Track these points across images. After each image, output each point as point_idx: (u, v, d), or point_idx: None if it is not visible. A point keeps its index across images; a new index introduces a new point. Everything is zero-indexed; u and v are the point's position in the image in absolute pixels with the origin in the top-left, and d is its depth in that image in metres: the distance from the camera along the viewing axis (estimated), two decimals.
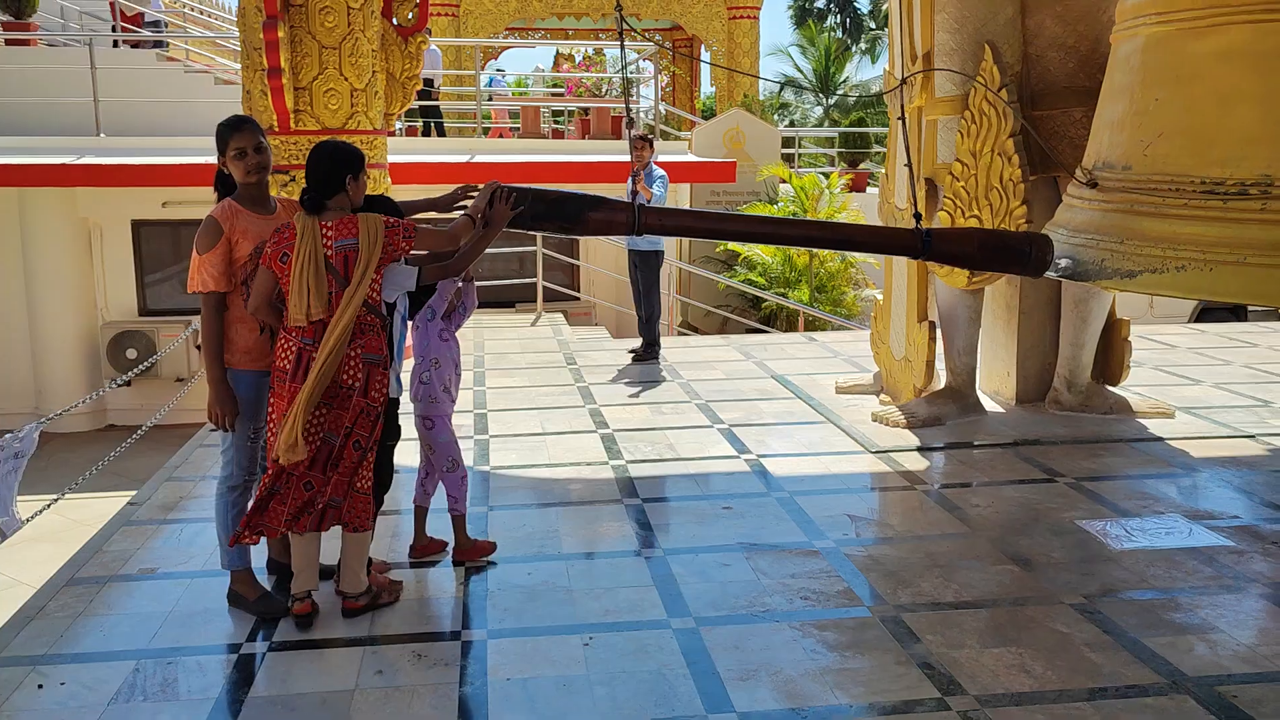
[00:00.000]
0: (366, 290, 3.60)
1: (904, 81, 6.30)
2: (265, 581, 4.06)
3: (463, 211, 4.00)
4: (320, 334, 3.60)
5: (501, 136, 17.18)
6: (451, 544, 4.42)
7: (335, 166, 3.66)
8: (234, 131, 3.75)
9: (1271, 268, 3.55)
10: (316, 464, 3.64)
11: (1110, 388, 6.58)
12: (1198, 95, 3.89)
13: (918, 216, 4.62)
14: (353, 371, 3.63)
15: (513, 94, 26.94)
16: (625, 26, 4.72)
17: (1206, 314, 12.21)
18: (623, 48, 4.83)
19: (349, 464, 3.68)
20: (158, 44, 15.19)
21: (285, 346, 3.64)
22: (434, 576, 4.27)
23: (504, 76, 20.88)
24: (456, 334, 4.38)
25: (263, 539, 3.82)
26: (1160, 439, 6.04)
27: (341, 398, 3.63)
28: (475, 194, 4.09)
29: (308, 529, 3.71)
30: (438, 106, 16.19)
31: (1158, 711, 3.18)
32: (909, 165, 5.09)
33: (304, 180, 3.71)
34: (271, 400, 3.70)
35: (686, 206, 14.19)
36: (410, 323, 4.26)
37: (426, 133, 15.51)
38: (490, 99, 18.53)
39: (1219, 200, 3.68)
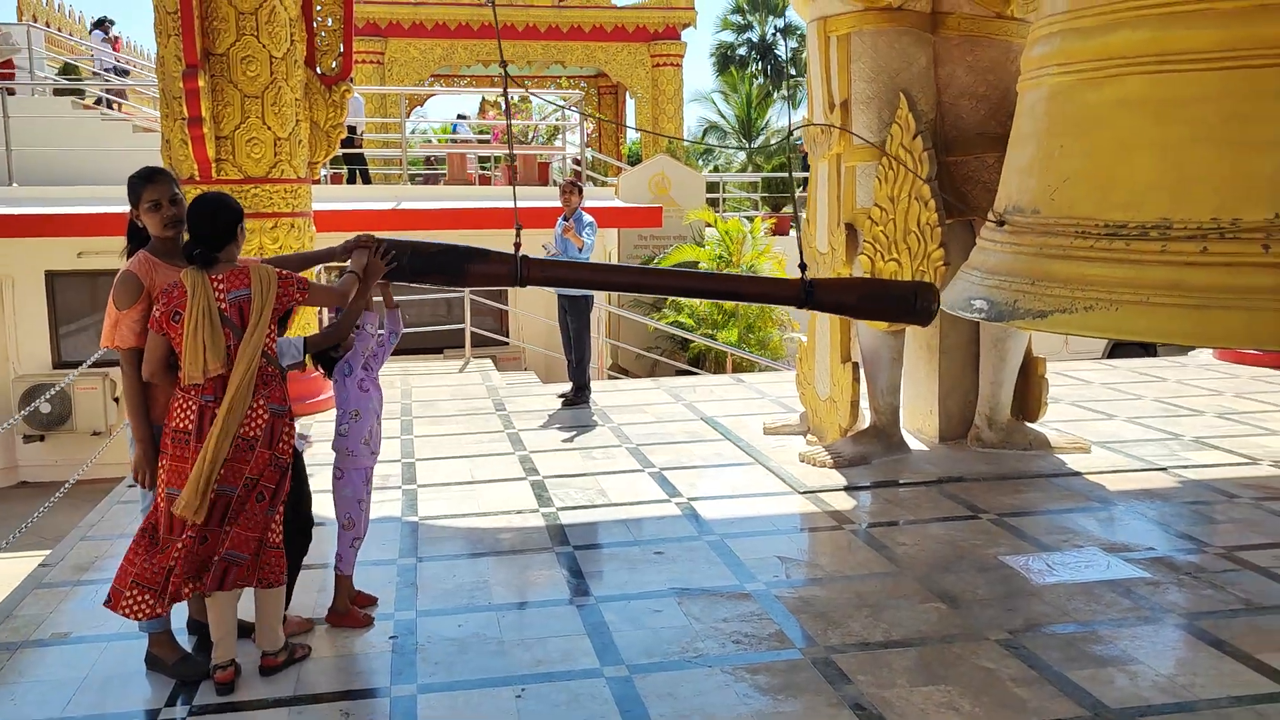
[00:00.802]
0: (263, 338, 3.57)
1: (841, 128, 6.45)
2: (185, 642, 3.95)
3: (348, 268, 3.99)
4: (220, 389, 3.54)
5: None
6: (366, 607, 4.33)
7: (226, 216, 3.63)
8: (147, 184, 3.70)
9: (1173, 306, 3.68)
10: (212, 518, 3.55)
11: (1029, 424, 6.74)
12: (1099, 142, 4.05)
13: (803, 267, 4.70)
14: (256, 423, 3.58)
15: (439, 141, 26.96)
16: (510, 80, 4.83)
17: (1118, 350, 12.58)
18: (506, 101, 4.88)
19: (255, 518, 3.60)
20: (75, 92, 14.95)
21: (184, 406, 3.56)
22: (359, 631, 4.19)
23: (465, 122, 20.86)
24: (379, 383, 4.34)
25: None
26: (1078, 473, 6.19)
27: (243, 450, 3.57)
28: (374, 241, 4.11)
29: (211, 589, 3.60)
30: (361, 154, 16.14)
31: None
32: (795, 213, 5.20)
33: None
34: (163, 461, 3.60)
35: (613, 252, 14.29)
36: (330, 378, 4.24)
37: (351, 180, 15.44)
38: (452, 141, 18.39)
39: (1122, 242, 3.82)
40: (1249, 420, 7.52)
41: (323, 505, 4.42)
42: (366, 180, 15.81)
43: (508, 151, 15.42)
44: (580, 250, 8.26)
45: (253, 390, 3.57)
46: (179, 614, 3.96)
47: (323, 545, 4.89)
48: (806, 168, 6.41)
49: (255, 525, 3.60)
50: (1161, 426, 7.37)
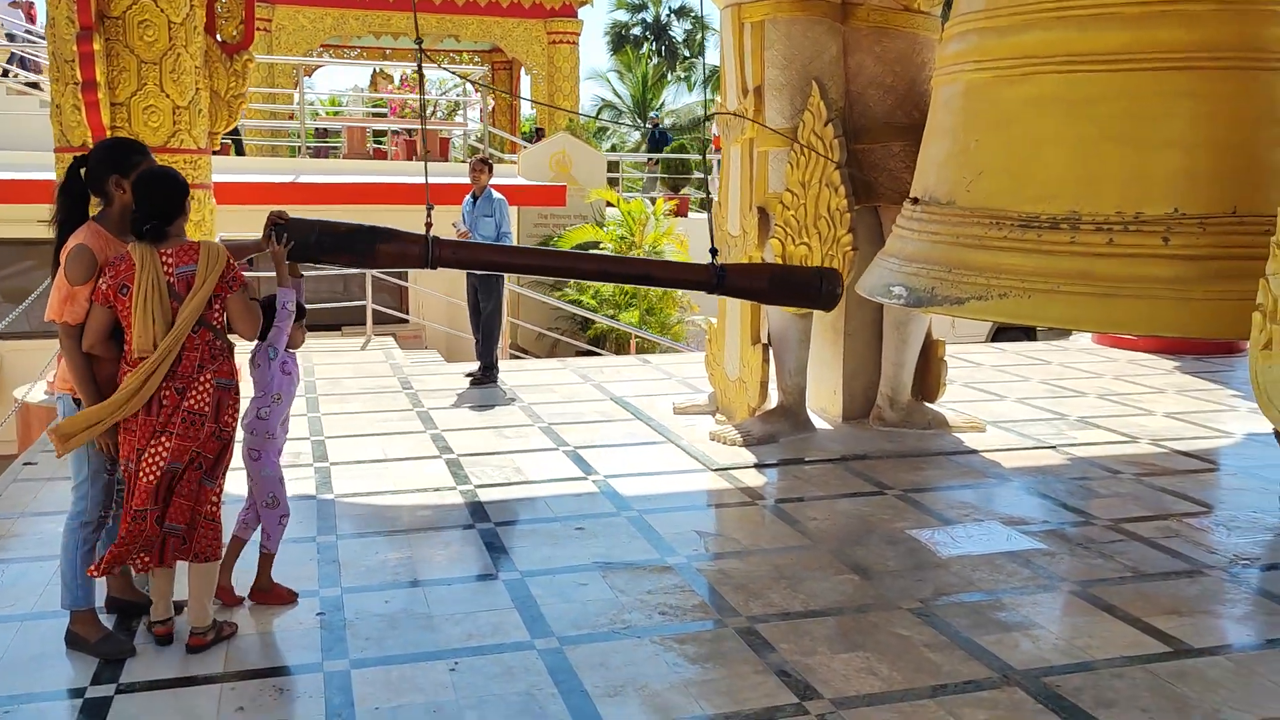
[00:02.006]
0: (199, 309, 3.54)
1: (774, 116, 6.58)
2: (105, 621, 3.87)
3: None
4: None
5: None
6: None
7: (175, 191, 3.60)
8: (143, 155, 3.69)
9: (1081, 295, 3.92)
10: (160, 494, 3.55)
11: (929, 404, 7.03)
12: (1013, 137, 4.27)
13: (713, 252, 4.82)
14: (203, 396, 3.57)
15: (328, 114, 26.32)
16: (425, 56, 4.82)
17: (1002, 333, 13.11)
18: (421, 79, 4.86)
19: (190, 488, 3.59)
20: None
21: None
22: (283, 610, 4.15)
23: (361, 94, 20.38)
24: (298, 362, 4.29)
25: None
26: (975, 451, 6.49)
27: (193, 424, 3.55)
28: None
29: (152, 565, 3.59)
30: (236, 126, 15.65)
31: (993, 704, 3.44)
32: (708, 198, 5.33)
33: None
34: (121, 435, 3.56)
35: (513, 230, 14.23)
36: (250, 359, 4.16)
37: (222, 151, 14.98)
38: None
39: (1034, 233, 4.04)
40: (1128, 401, 7.97)
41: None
42: (240, 151, 15.36)
43: (419, 126, 15.21)
44: (499, 232, 8.25)
45: (201, 364, 3.57)
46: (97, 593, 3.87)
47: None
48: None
49: (190, 495, 3.60)
50: (1048, 407, 7.76)
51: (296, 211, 4.29)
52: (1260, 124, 3.86)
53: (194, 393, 3.55)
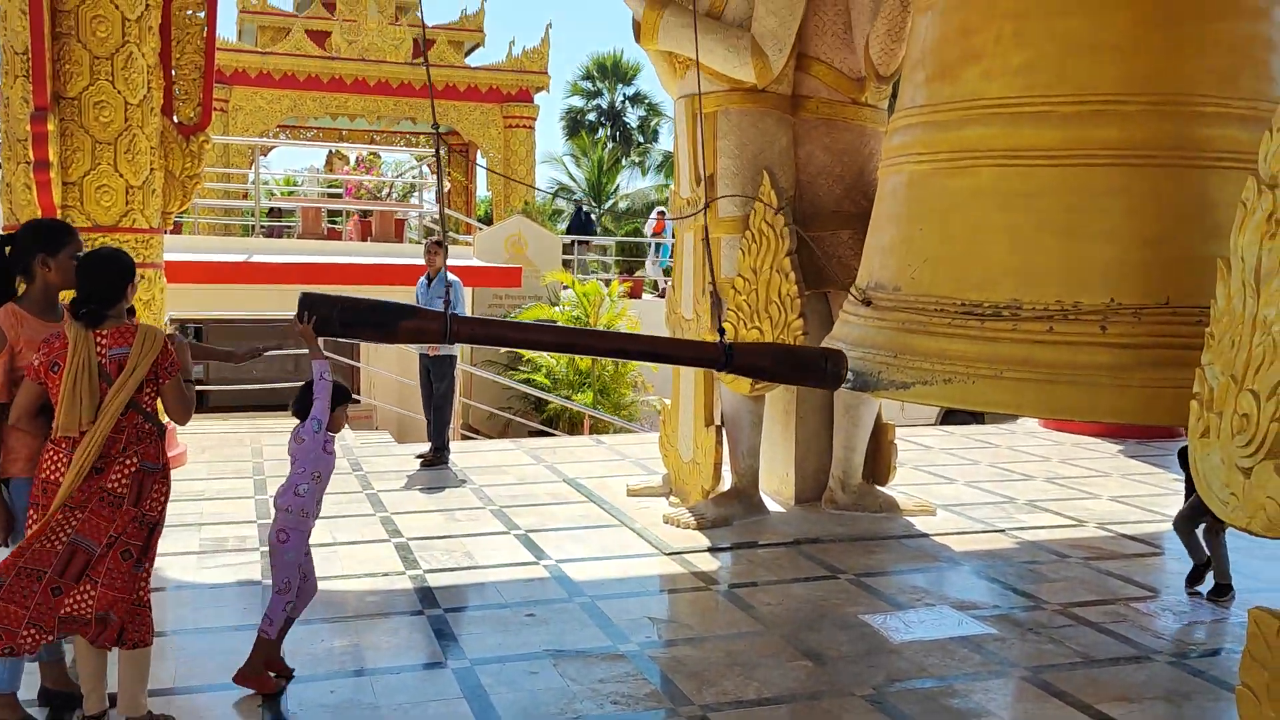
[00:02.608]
0: (130, 392, 3.51)
1: (708, 204, 6.71)
2: (38, 714, 3.74)
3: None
4: None
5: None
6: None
7: (118, 274, 3.60)
8: (71, 235, 3.72)
9: (1023, 381, 4.01)
10: (69, 571, 3.45)
11: (880, 487, 7.08)
12: (955, 227, 4.39)
13: (721, 331, 4.88)
14: (122, 478, 3.52)
15: (282, 194, 26.39)
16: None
17: (950, 416, 13.27)
18: (439, 160, 4.96)
19: (121, 575, 3.52)
20: None
21: (54, 458, 3.49)
22: (223, 699, 4.04)
23: (315, 175, 20.48)
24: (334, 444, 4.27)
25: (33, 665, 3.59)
26: (926, 535, 6.53)
27: (107, 505, 3.49)
28: (271, 353, 4.16)
29: (41, 640, 3.47)
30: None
31: None
32: (713, 283, 5.44)
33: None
34: (32, 514, 3.51)
35: (468, 310, 14.26)
36: (293, 435, 4.16)
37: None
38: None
39: (977, 321, 4.14)
40: (1074, 485, 8.08)
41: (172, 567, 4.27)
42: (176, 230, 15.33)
43: (374, 207, 15.27)
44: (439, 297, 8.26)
45: (126, 446, 3.52)
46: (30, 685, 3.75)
47: (180, 609, 4.75)
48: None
49: (124, 585, 3.52)
50: (997, 490, 7.85)
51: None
52: (1190, 219, 4.02)
53: (114, 473, 3.50)
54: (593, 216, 22.02)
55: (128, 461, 3.52)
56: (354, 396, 12.10)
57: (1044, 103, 4.18)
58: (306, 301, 4.13)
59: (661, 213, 22.43)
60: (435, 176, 17.60)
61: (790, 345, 6.01)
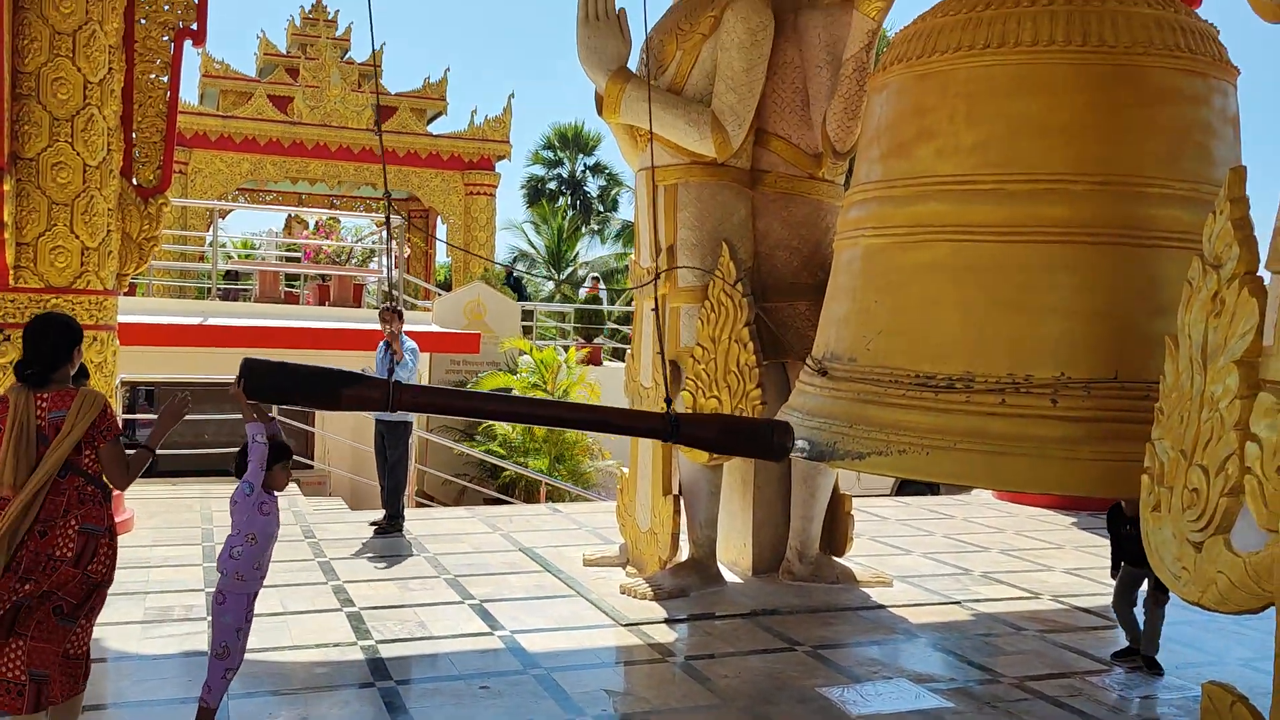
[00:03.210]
0: (65, 454, 3.56)
1: (662, 273, 6.77)
2: None
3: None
4: None
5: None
6: None
7: (60, 340, 3.70)
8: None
9: (976, 452, 4.06)
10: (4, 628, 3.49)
11: (837, 558, 7.08)
12: (909, 300, 4.46)
13: (669, 401, 4.90)
14: (66, 542, 3.55)
15: (240, 256, 26.27)
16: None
17: (906, 487, 13.35)
18: (389, 230, 4.97)
19: (53, 632, 3.54)
20: None
21: None
22: None
23: (274, 239, 20.41)
24: (277, 505, 4.19)
25: None
26: (883, 606, 6.53)
27: (46, 565, 3.52)
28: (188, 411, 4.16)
29: (27, 711, 3.48)
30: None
31: None
32: (662, 353, 5.45)
33: (21, 348, 3.72)
34: None
35: (426, 376, 14.19)
36: (230, 498, 4.08)
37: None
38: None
39: (931, 392, 4.20)
40: (1028, 557, 8.13)
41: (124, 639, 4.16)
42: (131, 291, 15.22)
43: (332, 271, 15.22)
44: (398, 364, 8.21)
45: (68, 508, 3.58)
46: None
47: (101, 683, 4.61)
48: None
49: (55, 639, 3.56)
50: (953, 561, 7.87)
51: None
52: (1137, 296, 4.12)
53: (56, 536, 3.54)
54: (521, 281, 21.97)
55: (70, 524, 3.56)
56: (301, 459, 11.95)
57: (995, 181, 4.29)
58: (247, 367, 4.07)
59: (595, 279, 22.55)
60: (394, 243, 17.63)
61: (737, 416, 6.05)
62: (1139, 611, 5.55)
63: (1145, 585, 5.50)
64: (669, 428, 4.61)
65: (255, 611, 5.97)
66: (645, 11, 5.30)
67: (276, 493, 4.14)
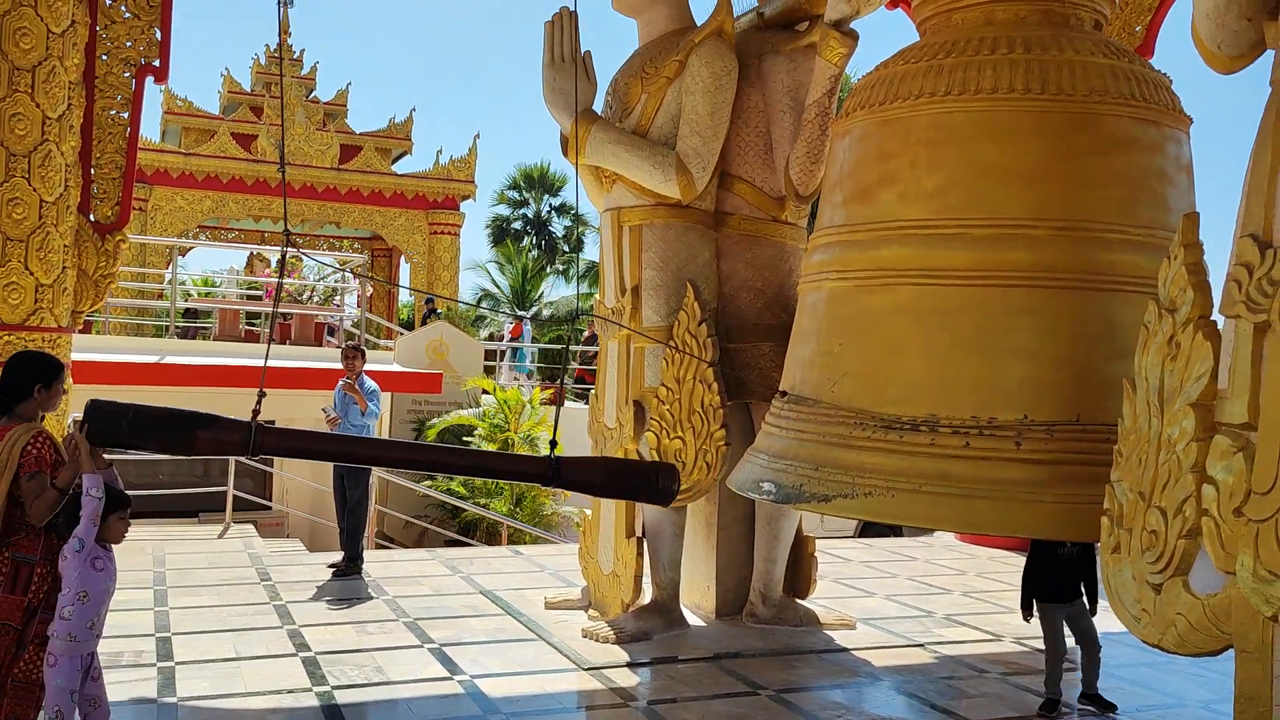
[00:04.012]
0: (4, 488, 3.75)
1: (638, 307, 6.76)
2: None
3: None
4: None
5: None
6: None
7: (25, 374, 3.94)
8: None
9: (940, 495, 4.06)
10: None
11: (800, 600, 7.05)
12: (873, 343, 4.49)
13: (553, 444, 4.78)
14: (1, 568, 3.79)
15: (200, 294, 26.02)
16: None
17: (869, 529, 13.37)
18: (283, 261, 4.91)
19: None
20: None
21: None
22: None
23: (234, 277, 20.18)
24: (113, 559, 4.02)
25: None
26: (846, 649, 6.50)
27: None
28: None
29: None
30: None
31: None
32: (559, 392, 5.42)
33: None
34: None
35: (387, 416, 14.06)
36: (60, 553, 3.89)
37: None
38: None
39: (896, 434, 4.21)
40: (990, 599, 8.15)
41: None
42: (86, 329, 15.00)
43: (291, 310, 15.11)
44: (364, 414, 8.13)
45: (1, 536, 3.79)
46: None
47: None
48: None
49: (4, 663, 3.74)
50: (915, 604, 7.87)
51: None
52: (1097, 340, 4.17)
53: None
54: (439, 313, 21.45)
55: (3, 553, 3.80)
56: (258, 499, 11.76)
57: (957, 226, 4.34)
58: (92, 408, 3.90)
59: (520, 318, 22.36)
60: (358, 281, 17.54)
61: (622, 459, 6.04)
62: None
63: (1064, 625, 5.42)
64: (550, 472, 4.52)
65: (206, 657, 5.87)
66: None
67: (113, 545, 3.96)
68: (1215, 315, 3.06)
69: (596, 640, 6.42)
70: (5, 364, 3.82)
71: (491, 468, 5.51)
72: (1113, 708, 5.41)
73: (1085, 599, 5.41)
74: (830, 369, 4.61)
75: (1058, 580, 5.36)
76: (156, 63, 8.28)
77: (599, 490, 5.20)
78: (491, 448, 13.04)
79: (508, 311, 33.42)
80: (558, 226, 40.36)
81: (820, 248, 4.96)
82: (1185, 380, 3.03)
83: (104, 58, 8.17)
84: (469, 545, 11.70)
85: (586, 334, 19.16)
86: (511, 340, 21.40)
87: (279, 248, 24.06)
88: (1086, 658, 5.47)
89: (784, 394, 4.89)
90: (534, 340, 23.96)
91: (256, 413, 4.17)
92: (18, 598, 3.74)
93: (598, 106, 7.02)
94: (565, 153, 6.99)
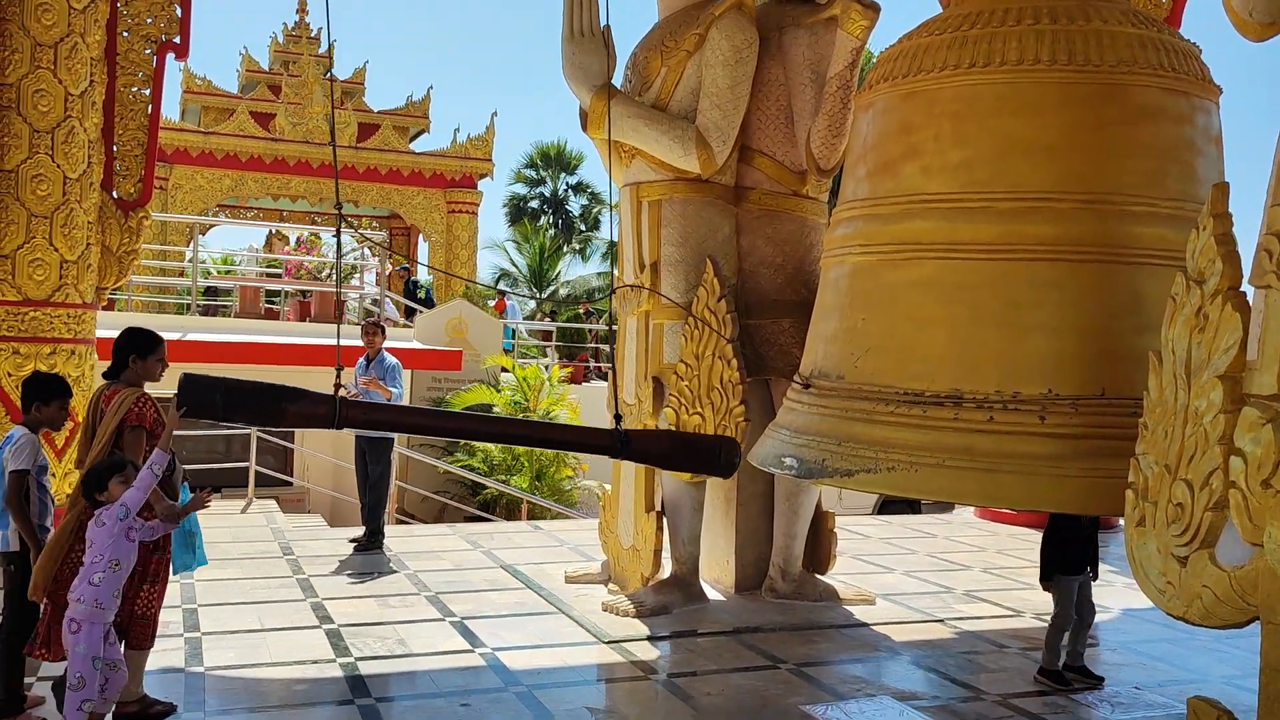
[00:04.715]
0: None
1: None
2: None
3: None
4: None
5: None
6: None
7: (121, 347, 4.61)
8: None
9: (964, 470, 4.05)
10: None
11: (819, 576, 7.05)
12: (897, 317, 4.47)
13: (618, 418, 4.88)
14: None
15: (220, 273, 26.12)
16: (345, 222, 4.97)
17: (888, 506, 13.36)
18: (339, 240, 4.97)
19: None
20: None
21: None
22: None
23: (254, 254, 20.16)
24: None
25: None
26: (865, 624, 6.51)
27: None
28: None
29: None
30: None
31: None
32: (612, 370, 5.43)
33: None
34: None
35: (406, 393, 14.10)
36: (95, 517, 4.03)
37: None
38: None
39: (919, 409, 4.19)
40: (1010, 575, 8.13)
41: None
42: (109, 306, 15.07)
43: (312, 287, 15.15)
44: (389, 400, 8.17)
45: None
46: None
47: None
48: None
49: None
50: (935, 580, 7.87)
51: (181, 370, 4.25)
52: (1122, 313, 4.14)
53: None
54: (424, 286, 21.00)
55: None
56: (280, 475, 11.84)
57: (981, 199, 4.31)
58: (185, 383, 3.99)
59: (502, 293, 22.15)
60: (376, 259, 17.58)
61: (687, 433, 6.07)
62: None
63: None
64: (618, 444, 4.61)
65: (231, 628, 5.94)
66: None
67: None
68: (1244, 286, 3.03)
69: (616, 614, 6.45)
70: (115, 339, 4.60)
71: (559, 439, 5.60)
72: (1100, 680, 5.41)
73: (1091, 569, 5.45)
74: (853, 344, 4.59)
75: (1081, 552, 5.37)
76: (177, 39, 8.28)
77: (664, 462, 5.28)
78: None
79: (525, 292, 33.41)
80: (575, 205, 40.31)
81: (843, 222, 4.94)
82: (1213, 352, 3.01)
83: (125, 34, 8.18)
84: (489, 521, 11.76)
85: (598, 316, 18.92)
86: (500, 315, 21.12)
87: (298, 226, 24.14)
88: (1083, 629, 5.47)
89: (807, 385, 4.88)
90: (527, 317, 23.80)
91: (339, 386, 4.31)
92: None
93: (617, 81, 6.98)
94: (584, 127, 6.97)
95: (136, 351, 4.56)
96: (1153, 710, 5.15)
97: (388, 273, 18.22)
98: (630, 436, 4.66)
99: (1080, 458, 3.92)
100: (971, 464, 3.97)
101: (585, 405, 14.40)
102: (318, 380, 9.24)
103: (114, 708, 4.18)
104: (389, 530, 8.89)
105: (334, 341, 12.01)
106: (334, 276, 16.04)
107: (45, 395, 4.56)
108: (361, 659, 5.52)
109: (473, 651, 5.73)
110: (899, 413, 4.22)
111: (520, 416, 13.07)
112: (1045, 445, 3.92)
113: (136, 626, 4.41)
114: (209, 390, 4.00)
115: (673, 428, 6.43)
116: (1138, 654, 6.07)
